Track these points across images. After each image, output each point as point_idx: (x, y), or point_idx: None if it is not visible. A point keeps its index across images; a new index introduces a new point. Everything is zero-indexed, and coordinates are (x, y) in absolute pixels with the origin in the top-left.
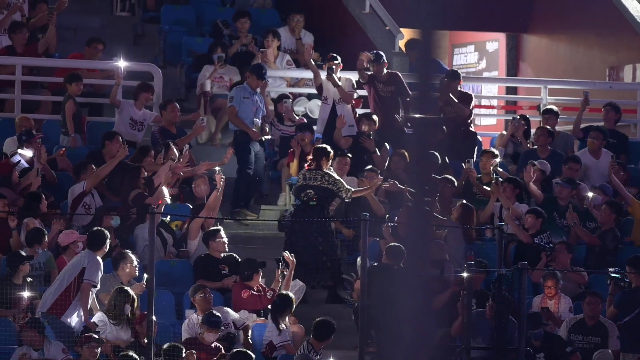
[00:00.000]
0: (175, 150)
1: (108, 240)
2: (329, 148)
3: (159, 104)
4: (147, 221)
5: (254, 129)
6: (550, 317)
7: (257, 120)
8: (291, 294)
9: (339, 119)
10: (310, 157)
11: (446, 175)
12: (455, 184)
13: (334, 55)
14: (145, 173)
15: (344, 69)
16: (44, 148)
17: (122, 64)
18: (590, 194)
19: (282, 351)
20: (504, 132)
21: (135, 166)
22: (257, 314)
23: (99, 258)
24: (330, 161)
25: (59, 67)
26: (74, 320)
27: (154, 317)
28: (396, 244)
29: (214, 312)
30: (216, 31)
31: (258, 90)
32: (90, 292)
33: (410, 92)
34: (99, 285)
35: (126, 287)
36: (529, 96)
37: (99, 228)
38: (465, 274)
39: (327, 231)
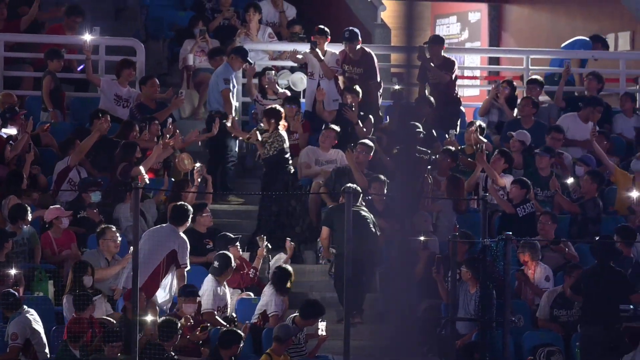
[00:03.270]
0: (156, 125)
1: (190, 215)
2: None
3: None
4: (128, 200)
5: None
6: (526, 282)
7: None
8: (288, 267)
9: (318, 91)
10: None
11: (448, 147)
12: (458, 156)
13: (322, 28)
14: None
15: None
16: (30, 122)
17: (88, 37)
18: (570, 180)
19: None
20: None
21: (130, 142)
22: (240, 290)
23: (184, 237)
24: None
25: (42, 43)
26: (160, 298)
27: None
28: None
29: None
30: (198, 5)
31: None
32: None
33: (378, 77)
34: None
35: (83, 259)
36: (511, 66)
37: (182, 203)
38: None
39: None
